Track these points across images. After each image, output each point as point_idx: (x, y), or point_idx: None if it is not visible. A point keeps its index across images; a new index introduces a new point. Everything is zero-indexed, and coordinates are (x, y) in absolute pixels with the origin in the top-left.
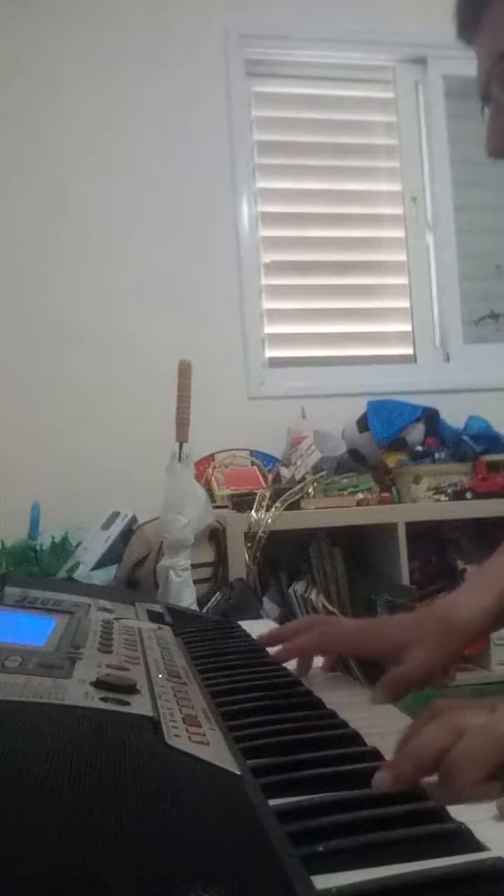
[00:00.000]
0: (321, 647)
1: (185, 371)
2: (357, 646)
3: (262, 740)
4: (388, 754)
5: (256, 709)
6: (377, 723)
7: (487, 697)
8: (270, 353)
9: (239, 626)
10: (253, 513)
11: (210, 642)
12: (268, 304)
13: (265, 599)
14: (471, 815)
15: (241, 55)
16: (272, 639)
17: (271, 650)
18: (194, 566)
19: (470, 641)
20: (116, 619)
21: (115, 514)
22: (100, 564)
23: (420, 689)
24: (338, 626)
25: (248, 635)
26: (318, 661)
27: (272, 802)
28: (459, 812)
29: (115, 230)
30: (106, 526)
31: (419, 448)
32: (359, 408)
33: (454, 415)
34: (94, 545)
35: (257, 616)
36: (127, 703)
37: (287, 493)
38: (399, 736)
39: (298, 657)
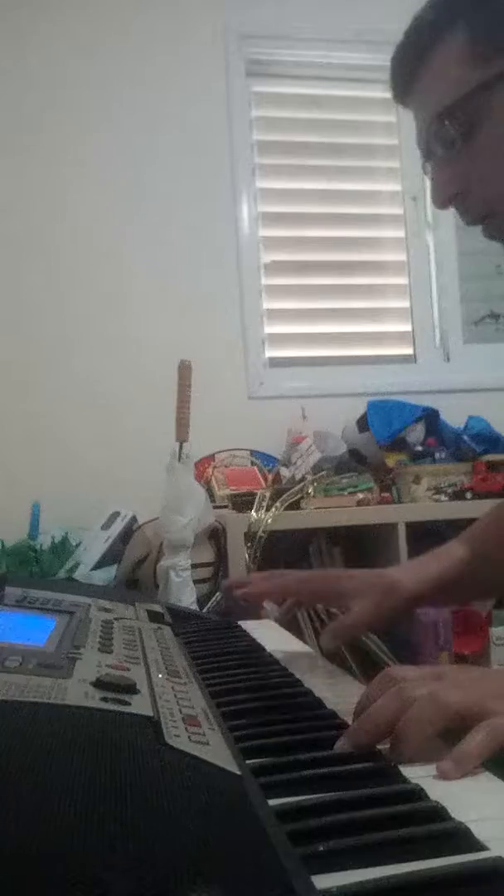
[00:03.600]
0: (282, 592)
1: (185, 371)
2: (312, 590)
3: (262, 740)
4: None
5: (256, 709)
6: None
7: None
8: (270, 353)
9: (239, 626)
10: (253, 513)
11: (210, 642)
12: (268, 304)
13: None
14: (471, 814)
15: (241, 55)
16: (235, 584)
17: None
18: (194, 566)
19: (409, 604)
20: (116, 619)
21: (115, 514)
22: (100, 564)
23: (359, 635)
24: (295, 574)
25: (248, 635)
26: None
27: (272, 802)
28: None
29: (114, 230)
30: (106, 526)
31: (419, 448)
32: (359, 408)
33: (454, 415)
34: (94, 545)
35: (257, 616)
36: (127, 703)
37: (287, 493)
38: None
39: (259, 601)
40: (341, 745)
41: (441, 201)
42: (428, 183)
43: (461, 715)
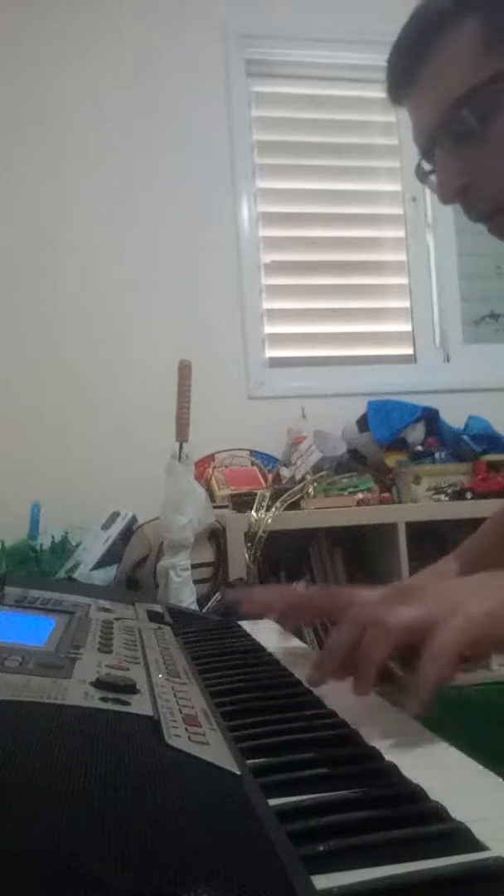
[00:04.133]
0: (285, 608)
1: (185, 371)
2: (316, 606)
3: (262, 740)
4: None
5: (256, 709)
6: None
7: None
8: (270, 353)
9: (239, 626)
10: (253, 513)
11: (210, 642)
12: (268, 304)
13: None
14: (471, 814)
15: (241, 55)
16: (239, 599)
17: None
18: (194, 566)
19: None
20: (116, 619)
21: (115, 514)
22: (100, 564)
23: None
24: (299, 591)
25: (248, 635)
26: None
27: (272, 802)
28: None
29: (114, 230)
30: (106, 526)
31: (419, 448)
32: (359, 408)
33: (454, 415)
34: (94, 545)
35: (257, 616)
36: (127, 703)
37: (287, 493)
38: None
39: (264, 614)
40: (311, 678)
41: (448, 194)
42: (426, 184)
43: (410, 630)
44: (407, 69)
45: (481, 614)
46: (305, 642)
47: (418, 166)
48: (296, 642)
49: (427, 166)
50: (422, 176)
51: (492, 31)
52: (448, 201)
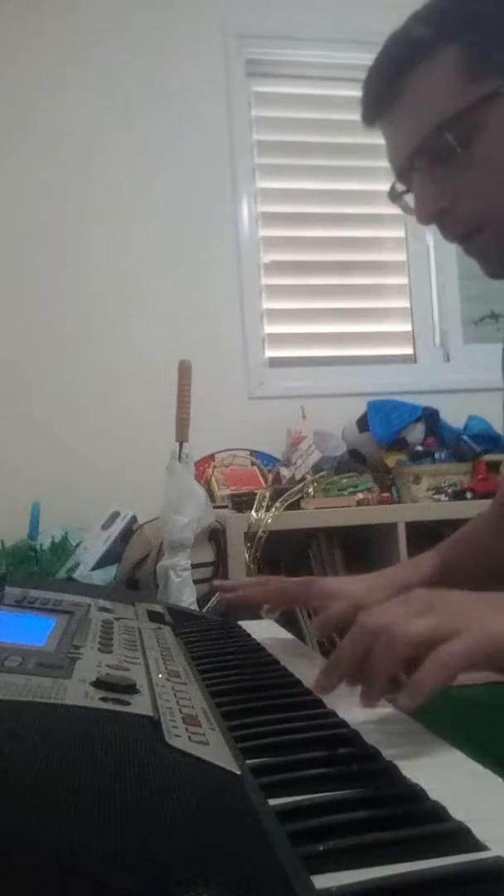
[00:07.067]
0: (266, 597)
1: (185, 371)
2: (295, 595)
3: (262, 740)
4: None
5: (256, 709)
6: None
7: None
8: (270, 353)
9: (239, 626)
10: (253, 513)
11: (210, 642)
12: (268, 304)
13: None
14: (471, 815)
15: (241, 55)
16: (226, 587)
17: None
18: (194, 566)
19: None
20: (116, 619)
21: (115, 514)
22: (100, 564)
23: (340, 626)
24: (281, 582)
25: (248, 635)
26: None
27: (272, 802)
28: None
29: (114, 230)
30: (106, 526)
31: (419, 448)
32: (359, 408)
33: (454, 415)
34: (94, 545)
35: (257, 616)
36: (127, 703)
37: (287, 493)
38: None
39: (245, 604)
40: (319, 686)
41: (427, 216)
42: (398, 203)
43: (422, 644)
44: (386, 93)
45: (496, 633)
46: (306, 642)
47: (392, 187)
48: (295, 642)
49: (400, 187)
50: (395, 196)
51: (472, 59)
52: (425, 223)
